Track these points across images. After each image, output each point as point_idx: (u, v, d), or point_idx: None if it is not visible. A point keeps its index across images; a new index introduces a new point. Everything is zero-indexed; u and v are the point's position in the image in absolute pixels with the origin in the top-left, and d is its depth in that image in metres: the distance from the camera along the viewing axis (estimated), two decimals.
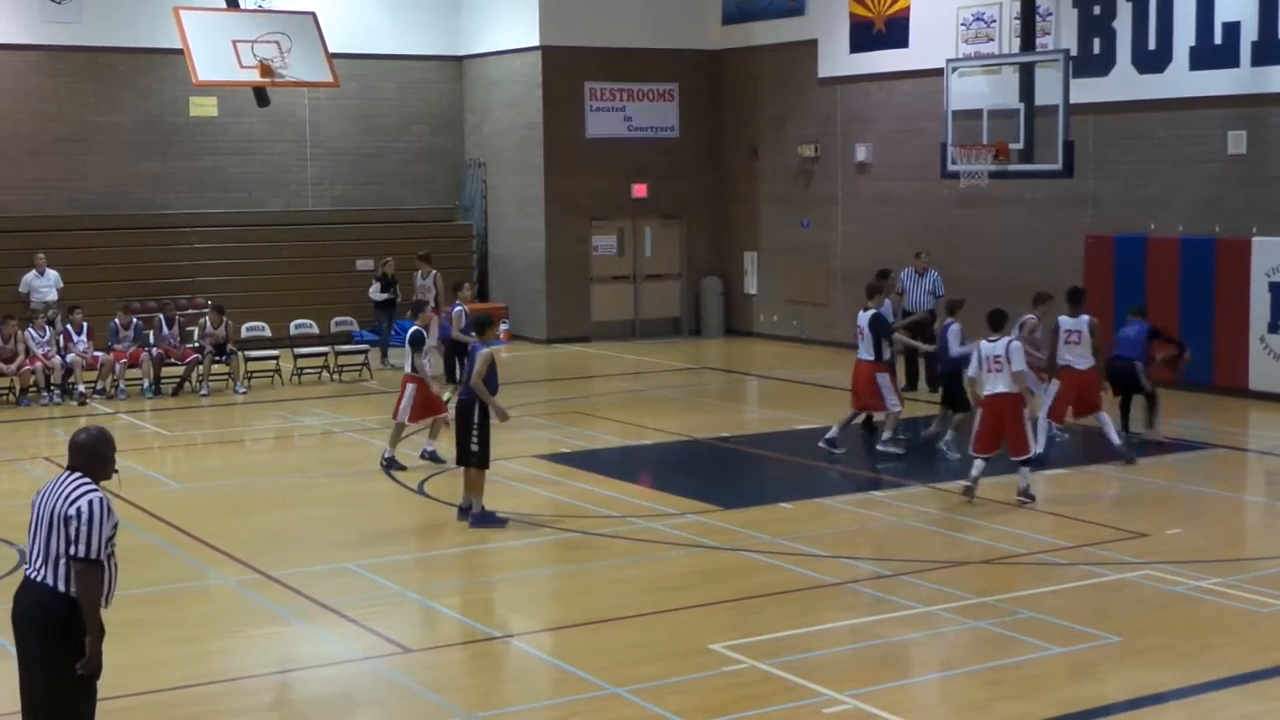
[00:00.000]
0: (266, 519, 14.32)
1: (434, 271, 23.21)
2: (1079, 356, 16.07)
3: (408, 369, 16.13)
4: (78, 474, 7.07)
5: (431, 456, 16.29)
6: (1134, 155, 21.61)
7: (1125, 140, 21.68)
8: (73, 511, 6.91)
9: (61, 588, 6.96)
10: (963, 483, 14.31)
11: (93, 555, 6.91)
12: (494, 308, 18.90)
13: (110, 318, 22.22)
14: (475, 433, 13.30)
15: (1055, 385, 16.21)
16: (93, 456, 7.11)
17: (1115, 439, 16.11)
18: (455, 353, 18.95)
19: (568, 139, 27.74)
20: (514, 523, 13.61)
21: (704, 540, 13.05)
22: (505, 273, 28.97)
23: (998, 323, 14.36)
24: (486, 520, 13.43)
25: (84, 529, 6.89)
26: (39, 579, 7.01)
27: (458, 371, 18.75)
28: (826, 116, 26.60)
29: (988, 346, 14.20)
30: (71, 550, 6.90)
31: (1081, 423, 16.75)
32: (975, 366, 14.26)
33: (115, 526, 7.07)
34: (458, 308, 19.07)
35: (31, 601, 7.04)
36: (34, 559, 7.06)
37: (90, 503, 6.94)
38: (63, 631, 6.96)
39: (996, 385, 14.08)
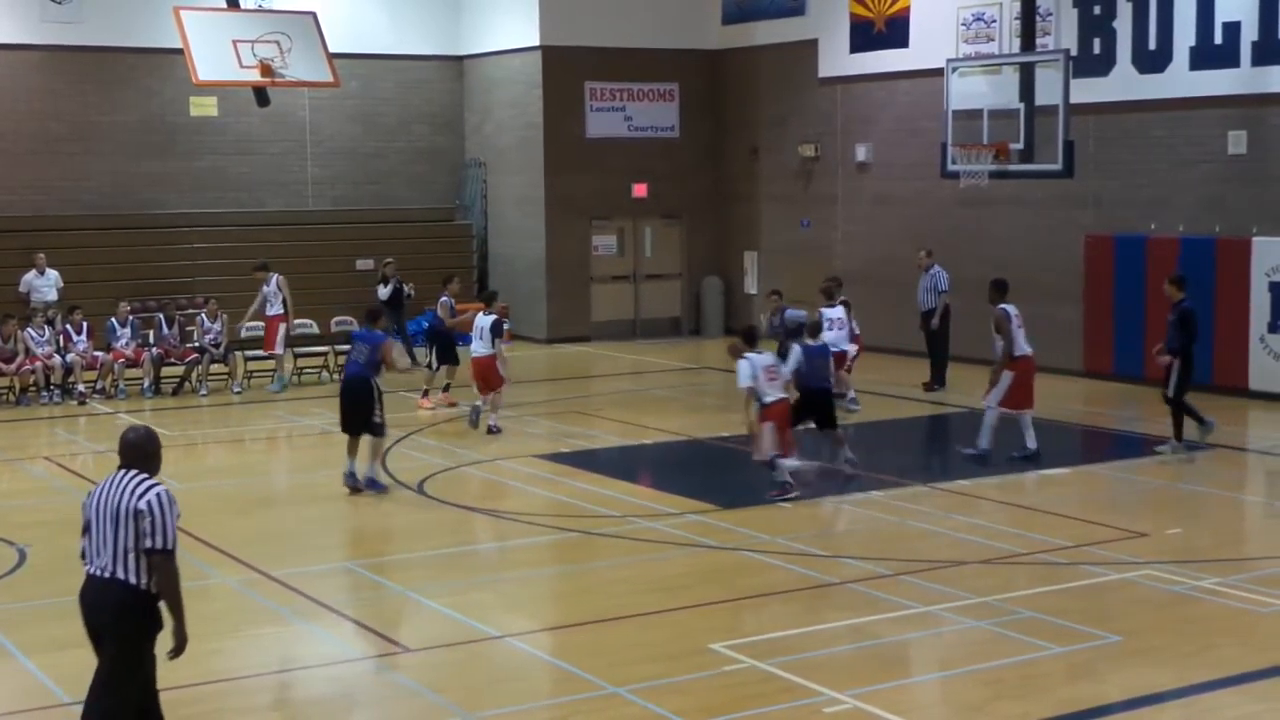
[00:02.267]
0: (266, 518, 14.33)
1: (275, 275, 22.82)
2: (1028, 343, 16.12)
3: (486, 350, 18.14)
4: (135, 471, 7.32)
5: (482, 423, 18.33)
6: (1134, 155, 21.61)
7: (1125, 140, 21.68)
8: (143, 506, 7.17)
9: (133, 580, 7.21)
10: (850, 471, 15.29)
11: (169, 546, 7.22)
12: (501, 308, 19.42)
13: (110, 317, 22.21)
14: (377, 406, 14.79)
15: (1009, 376, 15.89)
16: (144, 453, 7.41)
17: (1031, 443, 16.01)
18: (436, 340, 20.74)
19: (568, 139, 27.74)
20: (514, 523, 13.65)
21: (704, 540, 13.06)
22: (506, 272, 28.95)
23: (783, 351, 15.69)
24: (375, 485, 14.91)
25: (158, 522, 7.18)
26: (108, 575, 7.23)
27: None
28: (827, 116, 26.61)
29: (761, 359, 14.42)
30: (148, 544, 7.17)
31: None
32: (749, 376, 14.24)
33: (178, 516, 7.35)
34: (444, 299, 20.37)
35: (99, 597, 7.26)
36: (97, 556, 7.28)
37: (159, 495, 7.22)
38: (134, 622, 7.24)
39: (778, 391, 14.45)
